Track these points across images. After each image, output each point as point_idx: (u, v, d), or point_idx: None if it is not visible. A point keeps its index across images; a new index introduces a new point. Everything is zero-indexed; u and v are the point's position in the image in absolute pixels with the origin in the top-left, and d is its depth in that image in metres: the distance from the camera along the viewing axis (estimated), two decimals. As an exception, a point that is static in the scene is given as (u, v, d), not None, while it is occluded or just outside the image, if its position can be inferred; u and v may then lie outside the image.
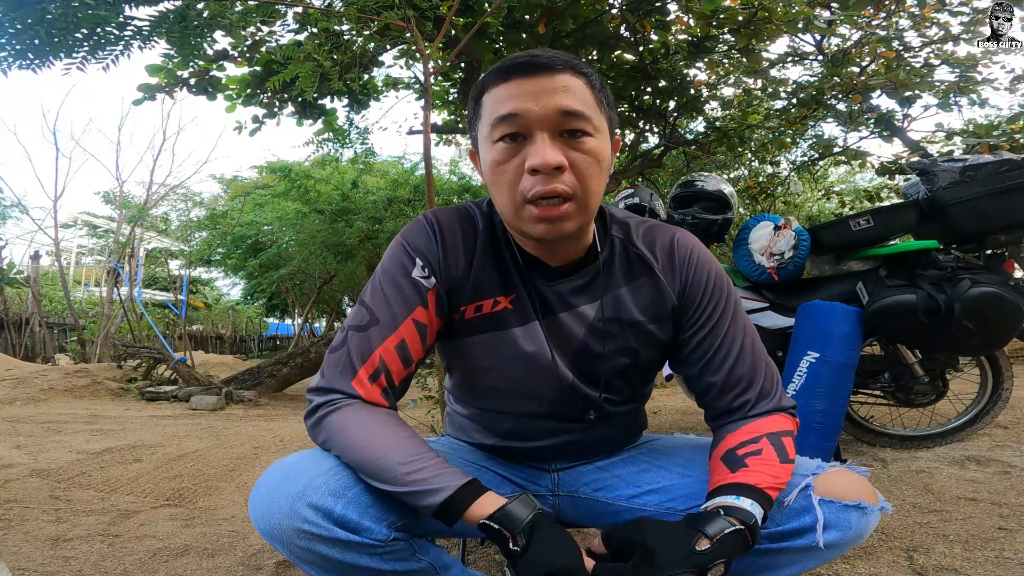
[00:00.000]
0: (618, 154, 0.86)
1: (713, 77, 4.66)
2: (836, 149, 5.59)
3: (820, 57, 5.08)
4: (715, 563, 0.66)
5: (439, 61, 4.07)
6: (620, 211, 0.93)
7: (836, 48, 4.91)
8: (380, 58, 4.18)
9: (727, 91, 5.33)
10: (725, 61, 4.41)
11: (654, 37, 3.71)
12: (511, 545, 0.67)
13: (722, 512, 0.71)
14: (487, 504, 0.70)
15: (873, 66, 4.46)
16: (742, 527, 0.69)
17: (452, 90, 4.61)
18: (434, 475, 0.71)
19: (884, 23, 4.31)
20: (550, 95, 0.72)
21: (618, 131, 0.85)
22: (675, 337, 0.90)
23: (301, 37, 3.53)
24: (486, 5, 3.34)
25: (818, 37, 4.89)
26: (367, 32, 3.49)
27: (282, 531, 0.70)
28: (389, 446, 0.73)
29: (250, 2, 2.59)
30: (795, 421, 0.87)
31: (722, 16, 3.38)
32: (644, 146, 4.98)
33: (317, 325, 17.53)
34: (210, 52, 3.37)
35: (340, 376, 0.79)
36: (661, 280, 0.87)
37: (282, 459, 0.79)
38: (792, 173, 6.61)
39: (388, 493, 0.73)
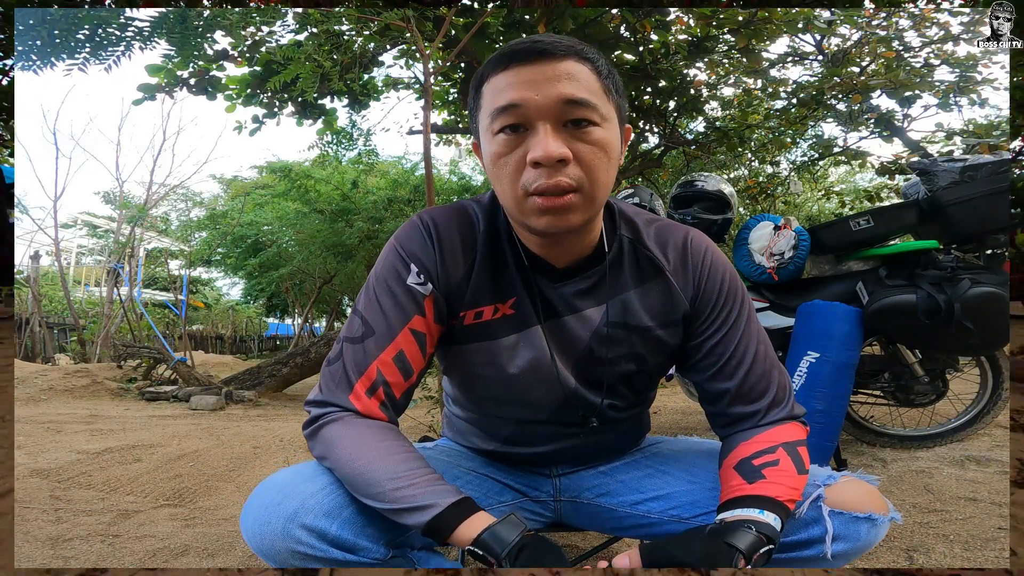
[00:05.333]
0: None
1: (713, 77, 4.66)
2: (836, 149, 5.59)
3: (820, 57, 5.08)
4: None
5: (439, 61, 4.07)
6: (629, 207, 0.88)
7: (836, 48, 4.92)
8: (380, 58, 4.18)
9: (727, 91, 5.33)
10: (725, 61, 4.41)
11: (654, 37, 3.71)
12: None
13: (753, 528, 0.68)
14: (476, 525, 0.67)
15: (873, 66, 4.47)
16: (772, 546, 0.68)
17: (452, 90, 4.61)
18: (424, 492, 0.68)
19: (884, 23, 4.31)
20: (552, 83, 0.67)
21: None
22: (685, 343, 0.86)
23: (301, 37, 3.53)
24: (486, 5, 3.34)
25: (818, 37, 4.90)
26: (367, 32, 3.49)
27: (276, 552, 0.69)
28: (379, 461, 0.71)
29: (250, 3, 2.59)
30: (806, 429, 0.84)
31: (722, 16, 3.38)
32: (644, 146, 4.98)
33: (317, 325, 17.54)
34: (210, 52, 3.38)
35: (337, 389, 0.77)
36: (673, 284, 0.83)
37: (273, 475, 0.76)
38: (792, 173, 6.61)
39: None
